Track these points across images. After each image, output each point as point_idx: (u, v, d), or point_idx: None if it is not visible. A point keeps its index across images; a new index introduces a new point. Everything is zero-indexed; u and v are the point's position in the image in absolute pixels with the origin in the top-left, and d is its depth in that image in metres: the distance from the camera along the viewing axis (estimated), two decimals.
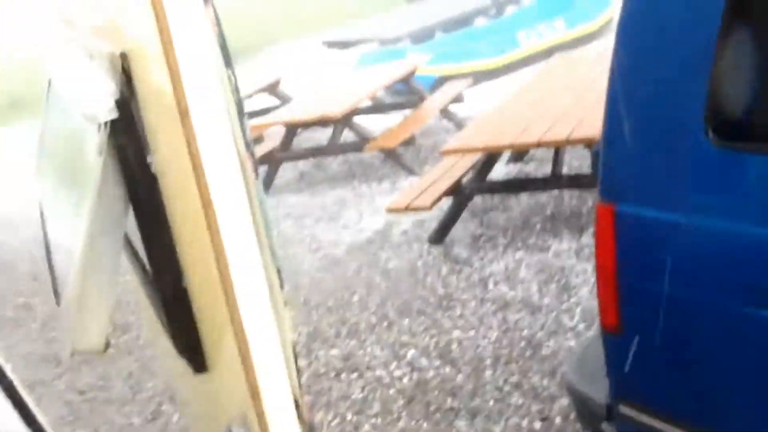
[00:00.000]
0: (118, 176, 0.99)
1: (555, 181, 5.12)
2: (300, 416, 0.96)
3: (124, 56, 0.94)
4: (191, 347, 1.03)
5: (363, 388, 3.56)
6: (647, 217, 1.99)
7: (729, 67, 1.80)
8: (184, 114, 0.83)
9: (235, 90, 0.93)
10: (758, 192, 1.80)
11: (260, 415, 0.92)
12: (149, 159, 0.97)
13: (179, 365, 1.15)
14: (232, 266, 0.87)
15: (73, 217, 1.10)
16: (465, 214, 5.03)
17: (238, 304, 0.88)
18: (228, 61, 0.91)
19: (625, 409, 2.18)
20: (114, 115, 0.94)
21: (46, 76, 1.46)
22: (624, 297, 2.08)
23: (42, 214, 1.56)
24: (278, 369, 0.90)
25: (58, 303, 1.22)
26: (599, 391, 2.26)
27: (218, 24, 0.90)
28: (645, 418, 2.14)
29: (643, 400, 2.16)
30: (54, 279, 1.34)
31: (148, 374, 4.06)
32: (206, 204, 0.86)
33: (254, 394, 0.90)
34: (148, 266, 1.09)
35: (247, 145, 0.91)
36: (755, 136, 1.83)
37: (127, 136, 0.96)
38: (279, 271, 0.95)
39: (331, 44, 12.12)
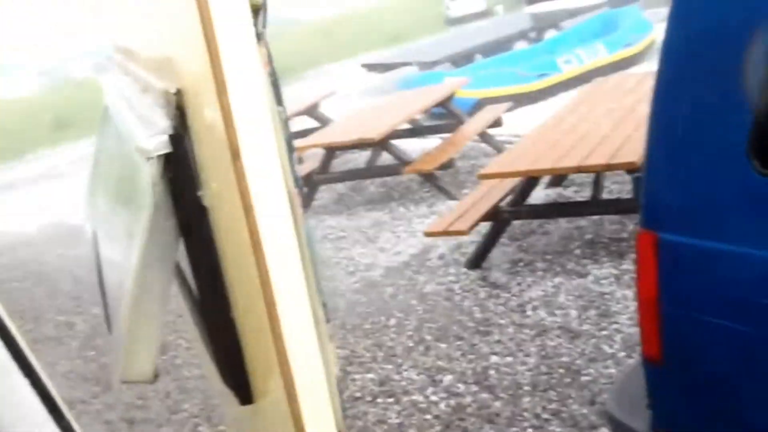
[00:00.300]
0: (169, 208, 1.01)
1: (595, 205, 5.08)
2: None
3: (179, 93, 0.97)
4: (238, 379, 1.04)
5: (399, 413, 3.54)
6: (690, 246, 1.96)
7: None
8: (235, 151, 0.85)
9: (285, 126, 0.95)
10: None
11: None
12: (200, 193, 0.99)
13: (225, 393, 1.17)
14: (279, 300, 0.88)
15: (126, 240, 1.13)
16: (503, 239, 5.00)
17: (285, 337, 0.89)
18: (279, 99, 0.93)
19: None
20: (166, 149, 0.96)
21: (103, 103, 1.49)
22: (666, 327, 2.05)
23: (94, 234, 1.59)
24: (323, 403, 0.91)
25: (109, 331, 1.24)
26: (641, 423, 2.23)
27: (271, 62, 0.92)
28: None
29: None
30: (105, 304, 1.37)
31: (186, 395, 4.09)
32: (255, 238, 0.88)
33: (299, 428, 0.91)
34: (197, 296, 1.11)
35: (296, 181, 0.93)
36: None
37: (179, 170, 0.98)
38: (324, 306, 0.96)
39: (371, 67, 12.25)
